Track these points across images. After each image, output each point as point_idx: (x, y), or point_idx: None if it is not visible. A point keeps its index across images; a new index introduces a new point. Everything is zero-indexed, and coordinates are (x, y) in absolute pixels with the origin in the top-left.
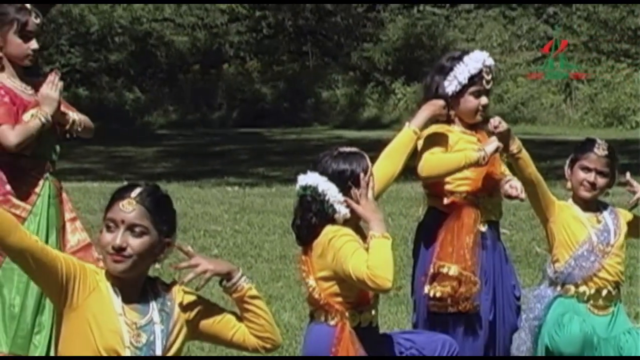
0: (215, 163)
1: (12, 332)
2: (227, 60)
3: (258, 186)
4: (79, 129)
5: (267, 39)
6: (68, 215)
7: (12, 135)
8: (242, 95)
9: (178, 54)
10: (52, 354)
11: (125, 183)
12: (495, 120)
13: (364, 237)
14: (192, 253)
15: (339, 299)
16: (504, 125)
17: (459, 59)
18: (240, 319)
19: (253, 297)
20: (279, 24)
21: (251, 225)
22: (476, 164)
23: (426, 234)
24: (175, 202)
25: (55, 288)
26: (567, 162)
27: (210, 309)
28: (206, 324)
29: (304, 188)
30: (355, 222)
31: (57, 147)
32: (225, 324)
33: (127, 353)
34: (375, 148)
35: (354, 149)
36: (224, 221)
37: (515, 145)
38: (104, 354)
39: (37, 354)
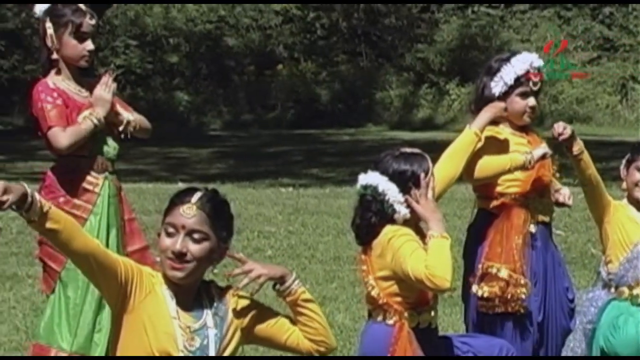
0: (269, 164)
1: (74, 331)
2: (281, 62)
3: (312, 187)
4: (134, 130)
5: (321, 40)
6: (127, 216)
7: (63, 138)
8: (296, 96)
9: (232, 55)
10: (110, 353)
11: (180, 184)
12: (559, 127)
13: (423, 237)
14: (245, 259)
15: (398, 299)
16: (568, 132)
17: (507, 60)
18: (294, 322)
19: (307, 300)
20: (333, 25)
21: (305, 226)
22: (522, 167)
23: (476, 235)
24: (229, 203)
25: (114, 291)
26: (623, 162)
27: (264, 312)
28: (260, 327)
29: (365, 187)
30: (414, 222)
31: (117, 147)
32: (279, 328)
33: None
34: (429, 149)
35: (415, 150)
36: (277, 222)
37: (577, 147)
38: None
39: (97, 353)
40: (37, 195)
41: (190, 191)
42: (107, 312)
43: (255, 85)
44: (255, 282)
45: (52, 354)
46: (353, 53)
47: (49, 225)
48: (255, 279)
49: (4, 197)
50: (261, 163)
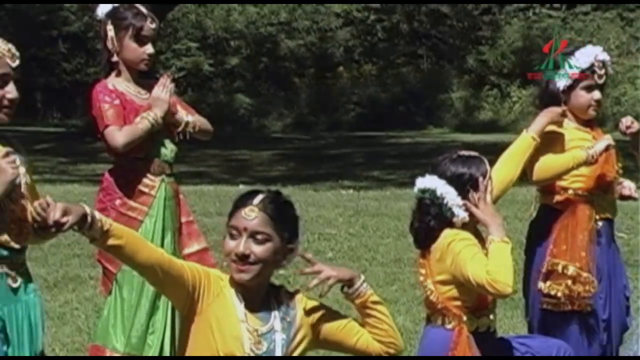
0: (330, 166)
1: (128, 332)
2: (341, 64)
3: (373, 189)
4: (193, 131)
5: (382, 42)
6: (185, 219)
7: (120, 136)
8: (357, 98)
9: (293, 57)
10: (165, 354)
11: (241, 187)
12: (627, 120)
13: (482, 241)
14: (314, 260)
15: (457, 303)
16: (636, 126)
17: (571, 53)
18: (361, 325)
19: (375, 302)
20: (394, 28)
21: (366, 228)
22: (585, 162)
23: (539, 231)
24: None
25: (182, 297)
26: None
27: (333, 316)
28: (330, 331)
29: (423, 191)
30: (473, 226)
31: (174, 149)
32: (349, 331)
33: None
34: (491, 151)
35: (473, 153)
36: (338, 224)
37: None
38: None
39: (150, 354)
40: (96, 214)
41: (253, 194)
42: (161, 314)
43: (316, 88)
44: (323, 284)
45: (107, 355)
46: (414, 55)
47: (111, 242)
48: (324, 280)
49: (64, 219)
50: (322, 165)
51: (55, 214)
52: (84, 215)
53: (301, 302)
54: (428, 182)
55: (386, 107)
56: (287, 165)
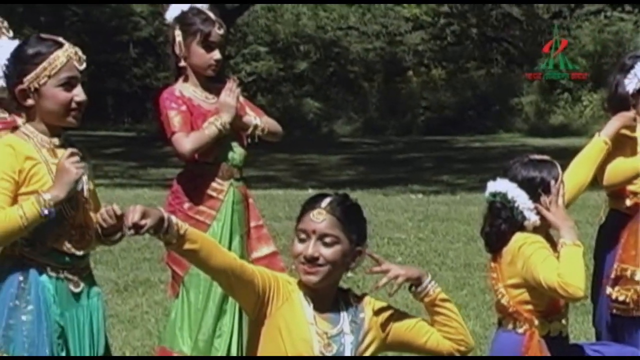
0: (399, 171)
1: (195, 335)
2: (411, 68)
3: (442, 194)
4: (261, 134)
5: (452, 46)
6: (254, 223)
7: (187, 142)
8: (427, 103)
9: (362, 62)
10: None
11: (310, 191)
12: None
13: (553, 245)
14: (383, 260)
15: (529, 307)
16: None
17: None
18: (430, 324)
19: (444, 300)
20: (464, 32)
21: (435, 233)
22: None
23: (608, 236)
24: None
25: (252, 301)
26: None
27: (402, 316)
28: (399, 332)
29: (494, 194)
30: (545, 230)
31: (243, 153)
32: (418, 330)
33: None
34: (562, 156)
35: (544, 157)
36: (407, 229)
37: None
38: None
39: None
40: (173, 219)
41: (320, 197)
42: (228, 318)
43: (385, 92)
44: (392, 283)
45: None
46: (484, 59)
47: (186, 246)
48: (393, 279)
49: (143, 222)
50: (391, 170)
51: (134, 216)
52: (161, 219)
53: (369, 304)
54: (499, 185)
55: (456, 111)
56: (357, 169)
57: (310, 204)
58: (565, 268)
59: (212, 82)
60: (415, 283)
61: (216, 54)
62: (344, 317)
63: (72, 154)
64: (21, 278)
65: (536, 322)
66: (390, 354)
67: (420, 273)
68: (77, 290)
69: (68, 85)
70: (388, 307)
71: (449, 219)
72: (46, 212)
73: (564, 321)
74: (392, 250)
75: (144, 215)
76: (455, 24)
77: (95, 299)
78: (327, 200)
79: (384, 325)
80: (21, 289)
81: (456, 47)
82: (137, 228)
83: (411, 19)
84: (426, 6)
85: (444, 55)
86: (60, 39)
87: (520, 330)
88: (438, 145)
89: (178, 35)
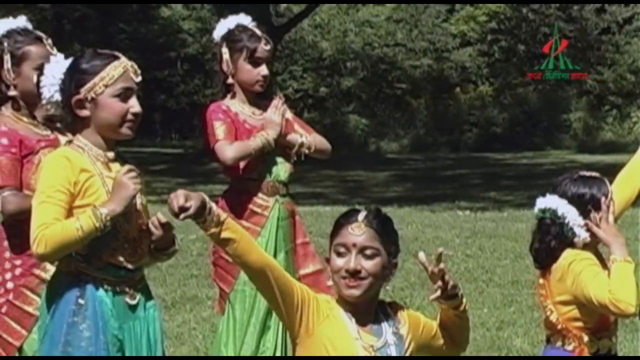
0: (446, 187)
1: (239, 351)
2: (458, 85)
3: (490, 210)
4: (308, 152)
5: (500, 62)
6: (301, 240)
7: (230, 150)
8: (474, 119)
9: (409, 78)
10: None
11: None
12: None
13: (603, 262)
14: (436, 266)
15: (578, 324)
16: None
17: None
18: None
19: (465, 310)
20: (511, 48)
21: (482, 249)
22: None
23: None
24: (407, 226)
25: (291, 309)
26: None
27: (428, 322)
28: (427, 337)
29: (543, 211)
30: (594, 247)
31: (289, 169)
32: (437, 333)
33: None
34: (611, 172)
35: (594, 174)
36: (455, 245)
37: None
38: None
39: None
40: (214, 206)
41: (355, 211)
42: (271, 334)
43: (433, 109)
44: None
45: None
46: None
47: (225, 234)
48: (442, 286)
49: (188, 204)
50: (439, 186)
51: (179, 200)
52: (203, 203)
53: (404, 314)
54: (549, 201)
55: (504, 127)
56: (404, 186)
57: (346, 218)
58: (617, 284)
59: (259, 99)
60: (452, 293)
61: (263, 70)
62: (386, 328)
63: (130, 170)
64: (78, 294)
65: (585, 339)
66: None
67: (457, 283)
68: (133, 302)
69: (124, 96)
70: (418, 315)
71: (497, 235)
72: (102, 225)
73: (613, 339)
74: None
75: (187, 199)
76: (503, 40)
77: (152, 311)
78: (363, 213)
79: (417, 333)
80: (78, 305)
81: (504, 63)
82: (183, 211)
83: (458, 35)
84: (474, 22)
85: (492, 71)
86: (117, 53)
87: (569, 348)
88: (485, 162)
89: (225, 52)
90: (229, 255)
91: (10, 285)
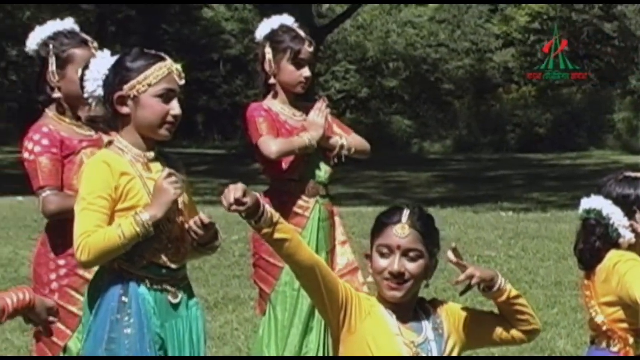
0: (489, 188)
1: (282, 352)
2: (501, 86)
3: (533, 211)
4: (348, 153)
5: (543, 63)
6: (340, 239)
7: (274, 145)
8: (517, 120)
9: (452, 79)
10: None
11: None
12: None
13: None
14: (465, 264)
15: (623, 325)
16: None
17: None
18: (496, 315)
19: (517, 296)
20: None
21: (526, 251)
22: None
23: None
24: (449, 227)
25: (336, 308)
26: None
27: (475, 315)
28: (476, 331)
29: (588, 211)
30: (639, 247)
31: (329, 171)
32: (490, 325)
33: None
34: None
35: (639, 174)
36: (498, 247)
37: None
38: None
39: None
40: (267, 206)
41: (398, 210)
42: (314, 335)
43: (475, 110)
44: (464, 284)
45: None
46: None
47: (278, 235)
48: (469, 278)
49: (244, 199)
50: (482, 187)
51: (237, 193)
52: (258, 203)
53: (444, 309)
54: (594, 202)
55: (547, 128)
56: (447, 187)
57: (390, 218)
58: None
59: (301, 100)
60: (488, 284)
61: (306, 72)
62: (426, 325)
63: (170, 174)
64: (121, 291)
65: (631, 340)
66: None
67: (493, 274)
68: (175, 301)
69: (166, 97)
70: (461, 309)
71: (540, 236)
72: (143, 231)
73: None
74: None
75: (244, 194)
76: (545, 41)
77: (195, 309)
78: (407, 213)
79: (461, 328)
80: (122, 303)
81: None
82: (239, 204)
83: (501, 36)
84: (516, 24)
85: (535, 72)
86: (163, 54)
87: (615, 349)
88: (529, 163)
89: (268, 53)
90: (280, 255)
91: (55, 285)
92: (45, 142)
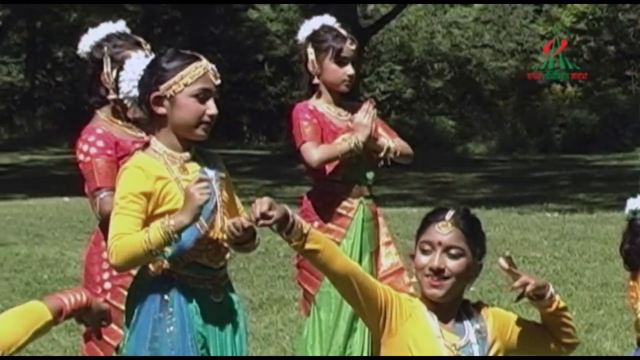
0: (535, 189)
1: (326, 353)
2: (546, 86)
3: (579, 212)
4: (393, 157)
5: (588, 63)
6: (383, 239)
7: (316, 153)
8: (563, 120)
9: (497, 79)
10: None
11: None
12: None
13: None
14: (518, 272)
15: None
16: None
17: None
18: (542, 327)
19: (563, 308)
20: (600, 49)
21: (571, 252)
22: None
23: None
24: (494, 228)
25: (374, 313)
26: None
27: (520, 322)
28: (520, 338)
29: (634, 212)
30: None
31: (373, 172)
32: (535, 335)
33: None
34: None
35: None
36: (543, 248)
37: None
38: None
39: None
40: (297, 217)
41: (443, 210)
42: (358, 336)
43: (520, 110)
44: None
45: None
46: (621, 77)
47: (309, 246)
48: (523, 286)
49: (270, 212)
50: (527, 188)
51: (262, 207)
52: (286, 215)
53: (489, 313)
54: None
55: (592, 129)
56: (491, 187)
57: (434, 216)
58: None
59: (344, 99)
60: (539, 293)
61: (349, 70)
62: (468, 327)
63: (200, 180)
64: (164, 290)
65: None
66: None
67: (544, 283)
68: (218, 300)
69: (202, 97)
70: (506, 314)
71: (586, 237)
72: (170, 238)
73: None
74: (528, 269)
75: (271, 207)
76: (591, 41)
77: (236, 307)
78: (451, 213)
79: (505, 333)
80: (164, 301)
81: (592, 64)
82: (265, 218)
83: (546, 36)
84: (561, 24)
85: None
86: (197, 54)
87: None
88: (574, 163)
89: (311, 52)
90: (313, 265)
91: (107, 285)
92: (100, 143)
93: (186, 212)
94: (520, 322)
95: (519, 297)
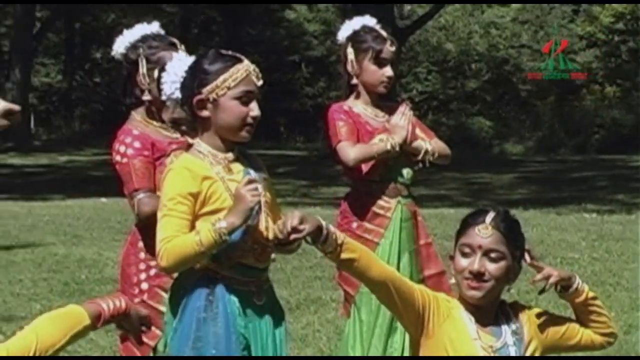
0: (573, 190)
1: (366, 354)
2: (585, 87)
3: (617, 213)
4: (432, 158)
5: (627, 64)
6: (423, 240)
7: (352, 152)
8: (601, 121)
9: (535, 80)
10: None
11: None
12: None
13: None
14: (542, 265)
15: None
16: None
17: None
18: (573, 321)
19: (594, 297)
20: (639, 49)
21: (610, 253)
22: None
23: None
24: (532, 228)
25: (412, 317)
26: None
27: (556, 320)
28: (557, 336)
29: None
30: None
31: (411, 172)
32: (571, 331)
33: None
34: None
35: None
36: (581, 249)
37: None
38: None
39: None
40: (331, 228)
41: (483, 212)
42: (399, 336)
43: (558, 111)
44: (542, 283)
45: None
46: None
47: (344, 255)
48: (546, 278)
49: (301, 227)
50: (565, 188)
51: (293, 221)
52: (319, 227)
53: (525, 313)
54: None
55: (631, 129)
56: (529, 188)
57: (474, 218)
58: None
59: (382, 100)
60: (565, 284)
61: (388, 71)
62: (505, 329)
63: (249, 181)
64: (208, 291)
65: None
66: None
67: (570, 274)
68: (260, 302)
69: (245, 98)
70: (542, 313)
71: (624, 238)
72: (221, 239)
73: None
74: (565, 270)
75: (302, 221)
76: (630, 41)
77: (277, 311)
78: (492, 215)
79: (542, 332)
80: (208, 301)
81: (631, 64)
82: (296, 232)
83: (585, 36)
84: (599, 24)
85: (619, 72)
86: (240, 55)
87: None
88: (613, 164)
89: (350, 53)
90: (350, 274)
91: (145, 285)
92: (137, 144)
93: (238, 214)
94: (556, 319)
95: (542, 290)
